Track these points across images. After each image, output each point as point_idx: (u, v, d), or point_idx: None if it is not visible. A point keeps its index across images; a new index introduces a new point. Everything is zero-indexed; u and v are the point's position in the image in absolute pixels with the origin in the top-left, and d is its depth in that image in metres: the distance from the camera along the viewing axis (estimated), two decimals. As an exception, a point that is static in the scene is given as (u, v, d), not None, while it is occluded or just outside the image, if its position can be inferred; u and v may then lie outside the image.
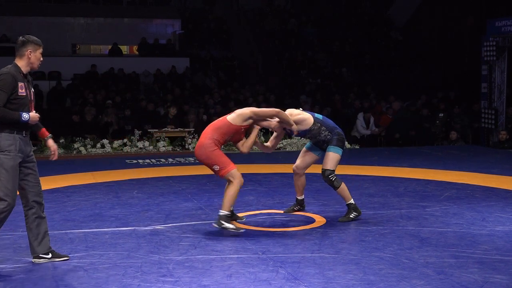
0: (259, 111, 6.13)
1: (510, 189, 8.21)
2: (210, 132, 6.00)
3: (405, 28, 22.95)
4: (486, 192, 8.00)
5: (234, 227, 5.89)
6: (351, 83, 19.07)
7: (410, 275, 4.64)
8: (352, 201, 6.50)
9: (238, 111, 6.10)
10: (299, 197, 6.90)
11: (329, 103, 16.41)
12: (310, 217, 6.66)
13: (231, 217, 6.24)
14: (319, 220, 6.50)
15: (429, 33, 22.20)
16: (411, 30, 22.73)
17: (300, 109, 6.61)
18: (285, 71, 19.99)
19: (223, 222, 5.84)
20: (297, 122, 6.30)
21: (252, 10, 22.73)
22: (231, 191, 5.91)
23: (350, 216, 6.42)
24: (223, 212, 5.89)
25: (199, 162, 6.14)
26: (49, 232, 5.07)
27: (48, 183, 8.94)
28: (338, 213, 6.75)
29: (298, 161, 6.76)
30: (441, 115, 15.08)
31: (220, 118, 6.17)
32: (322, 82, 18.99)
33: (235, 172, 5.91)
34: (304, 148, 6.81)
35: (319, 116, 6.57)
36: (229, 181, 5.94)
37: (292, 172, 6.83)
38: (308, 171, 6.74)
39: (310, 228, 6.15)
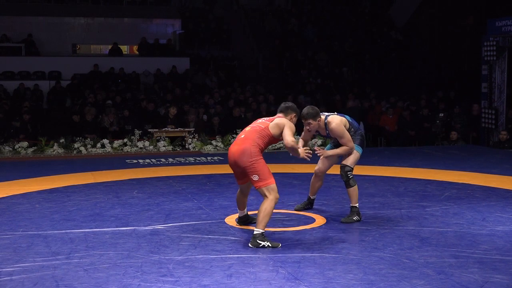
0: (292, 131, 5.68)
1: (511, 189, 8.21)
2: (255, 138, 5.63)
3: (405, 28, 22.95)
4: (487, 192, 7.99)
5: (271, 244, 5.41)
6: (351, 83, 19.08)
7: (410, 275, 4.64)
8: (357, 205, 6.47)
9: (278, 121, 5.73)
10: (312, 197, 7.00)
11: (329, 103, 16.41)
12: (310, 217, 6.66)
13: (246, 220, 6.20)
14: (319, 220, 6.50)
15: (429, 33, 22.21)
16: (411, 30, 22.74)
17: (335, 113, 6.61)
18: (285, 71, 19.99)
19: (259, 242, 5.40)
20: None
21: (252, 9, 22.73)
22: (268, 208, 5.46)
23: (353, 218, 6.39)
24: (258, 230, 5.46)
25: (232, 165, 5.72)
26: (50, 231, 5.07)
27: (48, 183, 8.95)
28: (338, 213, 6.75)
29: (320, 165, 6.77)
30: (441, 115, 15.07)
31: (261, 122, 5.81)
32: (322, 82, 19.00)
33: (274, 187, 5.52)
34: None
35: (348, 117, 6.61)
36: (265, 196, 5.50)
37: (312, 172, 6.91)
38: (306, 170, 6.75)
39: (310, 228, 6.15)
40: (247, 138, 5.66)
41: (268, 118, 5.93)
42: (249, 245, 5.45)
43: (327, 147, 6.79)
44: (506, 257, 5.08)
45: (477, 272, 4.70)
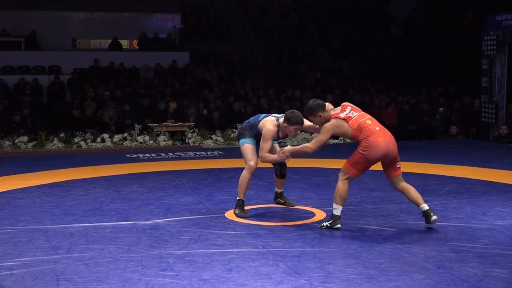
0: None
1: (511, 183, 8.21)
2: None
3: (405, 23, 22.91)
4: (486, 187, 8.00)
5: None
6: (351, 77, 19.06)
7: (410, 269, 4.65)
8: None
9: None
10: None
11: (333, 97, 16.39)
12: (310, 211, 6.66)
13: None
14: (319, 214, 6.50)
15: (429, 27, 22.17)
16: (411, 25, 22.69)
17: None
18: (285, 65, 19.97)
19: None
20: None
21: (253, 4, 22.68)
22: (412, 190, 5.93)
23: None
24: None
25: (384, 155, 5.75)
26: (50, 226, 5.07)
27: (48, 177, 8.95)
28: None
29: None
30: (441, 109, 15.07)
31: (362, 113, 6.00)
32: (322, 76, 18.98)
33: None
34: None
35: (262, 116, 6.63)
36: (401, 182, 5.90)
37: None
38: (307, 165, 6.74)
39: (310, 222, 6.16)
40: (386, 130, 5.90)
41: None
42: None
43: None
44: (506, 251, 5.08)
45: (477, 266, 4.70)
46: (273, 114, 6.53)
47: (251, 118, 6.59)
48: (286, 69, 19.74)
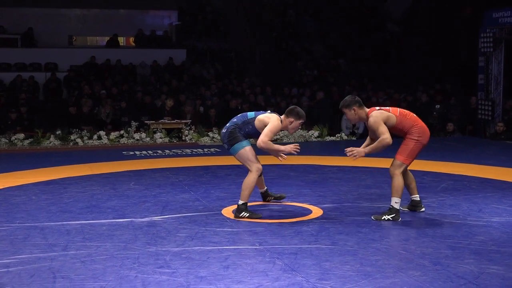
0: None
1: (507, 180, 8.23)
2: None
3: (402, 20, 22.91)
4: (483, 184, 8.01)
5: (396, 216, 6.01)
6: (348, 74, 19.06)
7: (406, 266, 4.65)
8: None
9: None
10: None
11: (326, 95, 16.40)
12: (307, 208, 6.67)
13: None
14: (316, 211, 6.50)
15: (426, 24, 22.17)
16: (408, 22, 22.70)
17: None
18: (282, 62, 19.96)
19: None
20: None
21: (250, 1, 22.66)
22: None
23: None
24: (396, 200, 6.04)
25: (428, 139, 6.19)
26: (46, 223, 5.07)
27: (44, 174, 8.94)
28: (335, 205, 6.76)
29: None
30: (437, 106, 15.08)
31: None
32: (319, 73, 18.97)
33: None
34: None
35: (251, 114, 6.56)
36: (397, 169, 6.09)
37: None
38: (303, 162, 6.74)
39: (307, 220, 6.16)
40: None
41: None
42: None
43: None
44: (502, 248, 5.09)
45: (473, 263, 4.71)
46: (262, 112, 6.42)
47: (236, 120, 6.36)
48: (283, 66, 19.74)
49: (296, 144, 6.19)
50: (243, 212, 6.18)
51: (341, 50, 20.54)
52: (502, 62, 14.43)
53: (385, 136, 5.93)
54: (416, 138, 6.07)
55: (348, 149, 6.06)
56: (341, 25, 21.70)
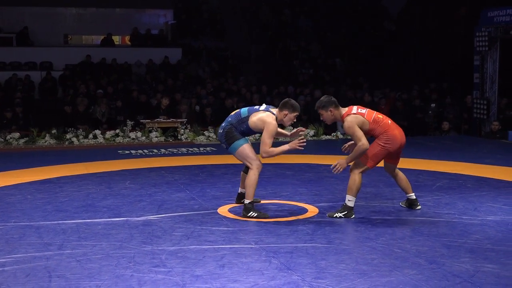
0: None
1: (502, 179, 8.25)
2: None
3: (398, 18, 22.93)
4: (478, 182, 8.03)
5: None
6: (344, 73, 19.06)
7: (402, 264, 4.66)
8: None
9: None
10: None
11: (322, 94, 16.40)
12: (303, 207, 6.67)
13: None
14: (312, 210, 6.51)
15: (422, 23, 22.18)
16: (404, 21, 22.71)
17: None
18: (278, 61, 19.95)
19: None
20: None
21: (246, 0, 22.65)
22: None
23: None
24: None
25: (400, 147, 6.17)
26: (42, 222, 5.06)
27: (40, 173, 8.93)
28: (331, 204, 6.76)
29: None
30: (433, 105, 15.11)
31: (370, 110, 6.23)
32: (315, 72, 18.97)
33: None
34: None
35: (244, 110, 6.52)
36: (395, 169, 6.38)
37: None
38: (299, 161, 6.75)
39: (303, 218, 6.16)
40: (393, 122, 6.26)
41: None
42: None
43: None
44: (497, 247, 5.11)
45: (469, 261, 4.72)
46: (256, 107, 6.39)
47: (231, 119, 6.33)
48: (279, 65, 19.73)
49: (301, 138, 6.10)
50: (251, 212, 6.16)
51: (337, 49, 20.53)
52: (497, 61, 14.45)
53: (361, 143, 5.95)
54: (383, 144, 6.06)
55: (331, 166, 6.13)
56: (337, 24, 21.69)
